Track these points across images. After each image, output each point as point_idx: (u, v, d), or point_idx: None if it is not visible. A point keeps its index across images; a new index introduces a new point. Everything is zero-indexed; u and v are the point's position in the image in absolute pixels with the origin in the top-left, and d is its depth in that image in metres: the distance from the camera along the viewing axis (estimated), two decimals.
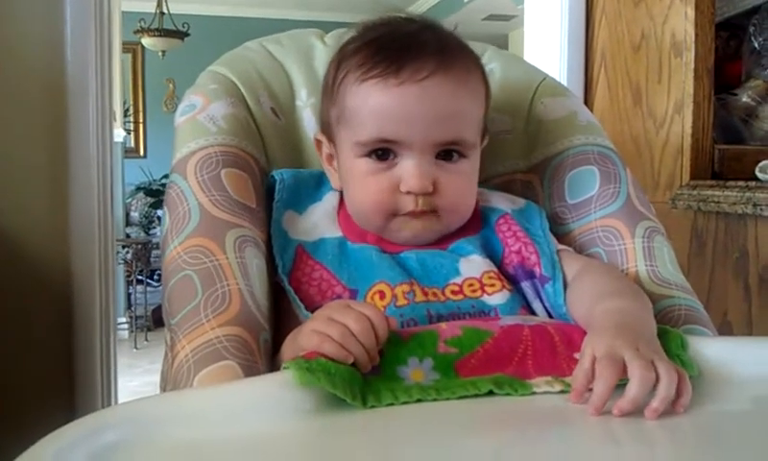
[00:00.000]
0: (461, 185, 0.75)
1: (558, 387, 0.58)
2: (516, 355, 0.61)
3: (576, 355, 0.60)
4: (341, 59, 0.77)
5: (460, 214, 0.77)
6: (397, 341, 0.60)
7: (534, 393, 0.58)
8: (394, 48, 0.73)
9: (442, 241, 0.77)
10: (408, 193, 0.73)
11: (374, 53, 0.73)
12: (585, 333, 0.62)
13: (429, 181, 0.73)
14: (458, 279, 0.73)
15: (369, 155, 0.74)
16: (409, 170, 0.72)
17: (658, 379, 0.53)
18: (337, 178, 0.81)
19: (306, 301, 0.72)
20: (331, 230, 0.79)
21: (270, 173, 0.83)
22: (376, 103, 0.72)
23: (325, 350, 0.56)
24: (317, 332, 0.58)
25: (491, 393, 0.57)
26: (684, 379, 0.54)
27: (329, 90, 0.78)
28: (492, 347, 0.61)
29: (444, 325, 0.64)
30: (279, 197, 0.79)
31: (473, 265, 0.75)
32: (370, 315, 0.58)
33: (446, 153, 0.74)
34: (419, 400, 0.56)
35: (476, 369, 0.59)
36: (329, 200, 0.82)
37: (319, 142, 0.82)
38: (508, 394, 0.57)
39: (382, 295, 0.71)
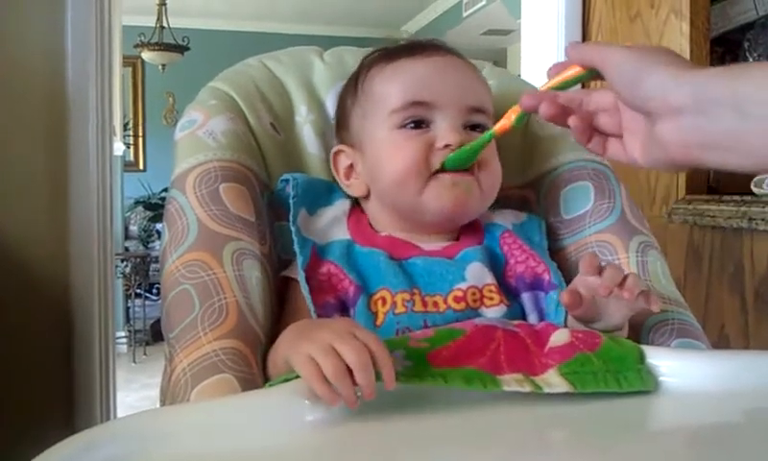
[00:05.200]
0: (491, 151, 0.78)
1: (528, 387, 0.58)
2: (488, 350, 0.61)
3: (546, 349, 0.63)
4: (359, 72, 0.83)
5: (494, 181, 0.79)
6: None
7: (503, 390, 0.58)
8: (410, 43, 0.83)
9: (449, 250, 0.78)
10: (445, 147, 0.75)
11: (396, 47, 0.82)
12: (553, 329, 0.66)
13: (464, 138, 0.75)
14: (463, 285, 0.74)
15: (404, 125, 0.77)
16: (444, 127, 0.76)
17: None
18: (357, 185, 0.82)
19: (315, 295, 0.73)
20: (340, 234, 0.80)
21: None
22: (407, 71, 0.78)
23: (315, 388, 0.53)
24: (310, 361, 0.54)
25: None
26: None
27: (351, 100, 0.82)
28: (463, 342, 0.62)
29: (418, 332, 0.65)
30: (295, 192, 0.80)
31: (478, 274, 0.76)
32: (374, 349, 0.54)
33: (472, 126, 0.78)
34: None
35: (448, 361, 0.59)
36: (340, 205, 0.83)
37: (336, 157, 0.84)
38: (476, 389, 0.57)
39: (384, 301, 0.72)
